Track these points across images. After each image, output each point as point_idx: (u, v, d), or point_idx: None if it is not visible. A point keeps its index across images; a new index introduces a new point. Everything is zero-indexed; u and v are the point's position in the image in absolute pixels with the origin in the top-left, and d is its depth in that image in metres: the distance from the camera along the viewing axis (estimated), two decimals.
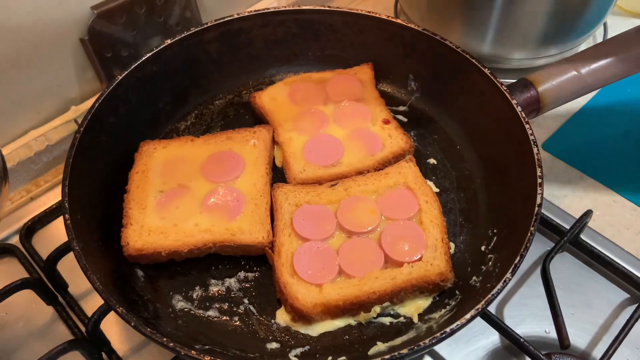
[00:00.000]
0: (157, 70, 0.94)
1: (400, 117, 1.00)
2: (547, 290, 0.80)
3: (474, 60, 0.90)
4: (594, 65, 0.86)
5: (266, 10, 0.99)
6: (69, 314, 0.84)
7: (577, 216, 0.88)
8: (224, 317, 0.77)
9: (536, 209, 0.73)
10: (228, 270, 0.82)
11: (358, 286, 0.75)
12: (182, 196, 0.85)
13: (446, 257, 0.78)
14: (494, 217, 0.84)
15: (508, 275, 0.68)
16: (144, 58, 0.92)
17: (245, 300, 0.79)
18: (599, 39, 1.21)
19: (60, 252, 0.83)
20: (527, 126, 0.81)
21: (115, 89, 0.88)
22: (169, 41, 0.94)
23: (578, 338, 0.81)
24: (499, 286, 0.67)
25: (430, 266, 0.76)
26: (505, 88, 0.85)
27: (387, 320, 0.77)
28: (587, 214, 0.87)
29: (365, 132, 0.93)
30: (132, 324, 0.65)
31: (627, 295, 0.85)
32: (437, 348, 0.80)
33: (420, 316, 0.76)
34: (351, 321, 0.76)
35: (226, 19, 0.97)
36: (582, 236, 0.89)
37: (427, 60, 0.97)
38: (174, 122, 1.00)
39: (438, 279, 0.76)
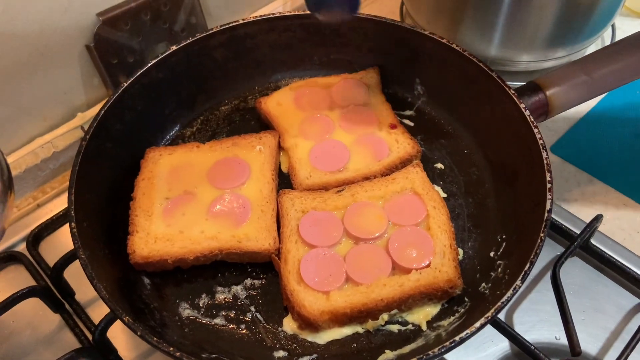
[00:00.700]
0: (163, 77, 0.94)
1: (406, 121, 0.99)
2: (557, 296, 0.79)
3: (481, 64, 0.89)
4: (603, 68, 0.85)
5: (271, 16, 0.99)
6: (75, 321, 0.84)
7: (587, 220, 0.87)
8: (231, 325, 0.77)
9: (546, 214, 0.72)
10: (234, 278, 0.82)
11: (365, 293, 0.75)
12: (188, 203, 0.84)
13: (454, 264, 0.77)
14: (503, 222, 0.83)
15: (518, 282, 0.67)
16: (149, 64, 0.91)
17: (252, 308, 0.79)
18: (607, 41, 1.20)
19: (66, 259, 0.83)
20: (535, 130, 0.80)
21: (121, 95, 0.88)
22: (174, 47, 0.93)
23: (589, 344, 0.80)
24: (508, 294, 0.67)
25: (439, 273, 0.76)
26: (513, 92, 0.84)
27: (395, 327, 0.76)
28: (598, 218, 0.86)
29: (372, 137, 0.93)
30: (139, 333, 0.65)
31: (638, 301, 0.84)
32: (445, 355, 0.79)
33: (429, 324, 0.76)
34: (359, 329, 0.76)
35: (231, 25, 0.97)
36: (593, 240, 0.88)
37: (433, 64, 0.96)
38: (179, 128, 1.00)
39: (446, 286, 0.75)
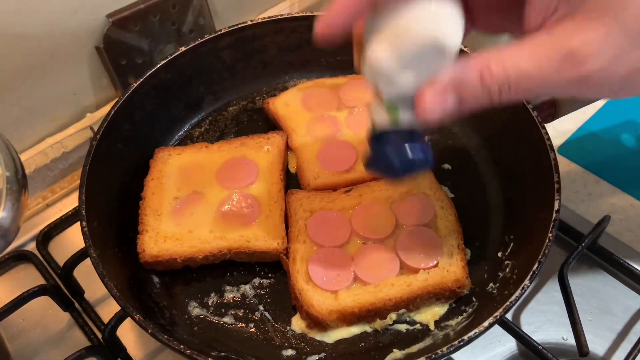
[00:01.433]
0: (172, 78, 0.95)
1: None
2: (565, 297, 0.79)
3: None
4: None
5: (279, 17, 0.99)
6: (85, 320, 0.84)
7: (594, 221, 0.87)
8: (240, 324, 0.78)
9: (554, 214, 0.72)
10: (243, 277, 0.82)
11: (373, 293, 0.75)
12: (197, 203, 0.85)
13: (462, 264, 0.77)
14: (510, 223, 0.83)
15: (526, 282, 0.68)
16: (158, 65, 0.92)
17: (261, 307, 0.79)
18: None
19: (76, 258, 0.84)
20: (543, 131, 0.80)
21: (130, 96, 0.89)
22: (183, 48, 0.94)
23: (596, 345, 0.80)
24: (517, 293, 0.67)
25: (447, 272, 0.76)
26: None
27: (403, 327, 0.76)
28: (605, 219, 0.86)
29: None
30: (149, 331, 0.65)
31: None
32: (453, 355, 0.79)
33: (437, 323, 0.76)
34: (367, 328, 0.76)
35: (239, 26, 0.98)
36: (600, 242, 0.88)
37: None
38: (188, 128, 1.00)
39: (454, 286, 0.75)
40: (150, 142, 0.94)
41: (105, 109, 0.99)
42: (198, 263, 0.81)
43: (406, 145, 0.59)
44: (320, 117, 0.97)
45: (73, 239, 0.94)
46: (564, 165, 1.01)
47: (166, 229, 0.82)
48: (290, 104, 0.99)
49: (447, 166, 0.93)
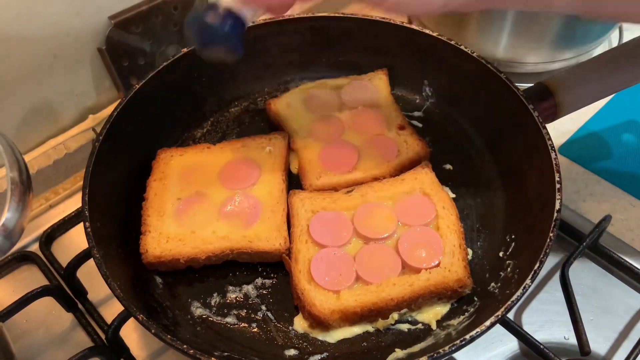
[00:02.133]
0: (174, 79, 0.95)
1: (415, 122, 1.00)
2: (566, 297, 0.80)
3: (489, 66, 0.89)
4: (611, 70, 0.86)
5: (281, 18, 0.99)
6: (88, 320, 0.85)
7: (595, 221, 0.87)
8: (242, 324, 0.78)
9: (555, 214, 0.73)
10: (245, 277, 0.82)
11: (375, 293, 0.75)
12: (200, 203, 0.85)
13: (464, 263, 0.77)
14: (512, 222, 0.84)
15: (528, 281, 0.68)
16: (160, 67, 0.92)
17: (263, 307, 0.79)
18: (615, 43, 1.20)
19: (79, 259, 0.84)
20: (544, 131, 0.81)
21: (133, 97, 0.89)
22: (185, 50, 0.94)
23: (598, 344, 0.80)
24: (518, 293, 0.67)
25: (448, 272, 0.76)
26: (522, 93, 0.85)
27: (405, 327, 0.76)
28: (606, 219, 0.87)
29: (381, 138, 0.93)
30: (153, 331, 0.66)
31: None
32: (454, 354, 0.79)
33: (439, 323, 0.76)
34: (369, 328, 0.76)
35: None
36: (601, 241, 0.88)
37: (442, 65, 0.97)
38: (190, 129, 1.01)
39: (456, 285, 0.75)
40: (152, 143, 0.94)
41: (108, 111, 0.99)
42: (201, 263, 0.81)
43: (217, 16, 0.68)
44: (322, 118, 0.97)
45: (76, 239, 0.95)
46: (565, 165, 1.01)
47: (169, 229, 0.83)
48: (292, 105, 0.99)
49: (448, 166, 0.94)
